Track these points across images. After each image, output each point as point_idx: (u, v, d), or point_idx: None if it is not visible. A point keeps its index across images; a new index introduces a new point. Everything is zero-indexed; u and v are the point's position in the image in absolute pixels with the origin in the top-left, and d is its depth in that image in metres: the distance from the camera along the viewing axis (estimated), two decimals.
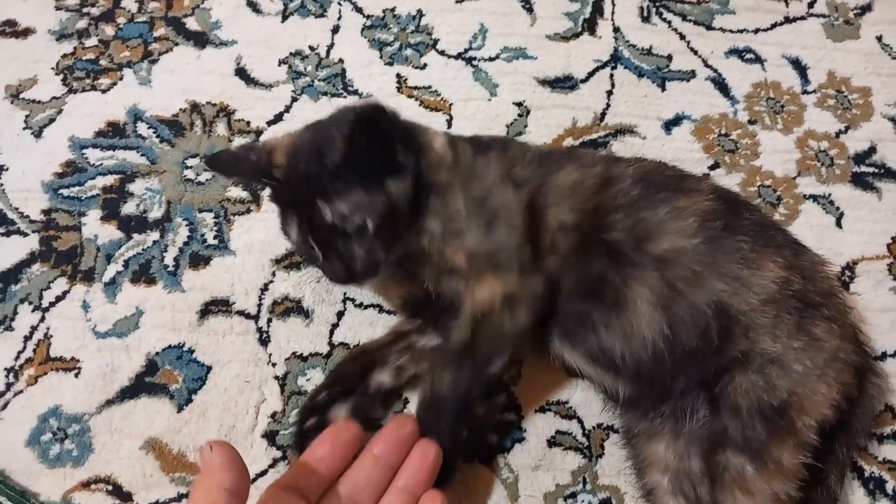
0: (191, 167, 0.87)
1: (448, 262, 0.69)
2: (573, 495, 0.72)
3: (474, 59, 0.95)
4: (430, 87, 0.93)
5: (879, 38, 0.97)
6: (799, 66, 0.95)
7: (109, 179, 0.86)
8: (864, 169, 0.88)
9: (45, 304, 0.79)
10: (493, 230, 0.69)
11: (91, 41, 0.95)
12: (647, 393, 0.70)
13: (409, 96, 0.93)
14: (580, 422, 0.76)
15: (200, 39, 0.96)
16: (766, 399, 0.64)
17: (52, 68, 0.93)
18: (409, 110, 0.91)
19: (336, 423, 0.68)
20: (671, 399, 0.70)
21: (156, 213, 0.84)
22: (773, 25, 0.98)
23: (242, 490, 0.55)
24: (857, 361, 0.69)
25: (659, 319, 0.66)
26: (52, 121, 0.90)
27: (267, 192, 0.83)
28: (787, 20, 0.98)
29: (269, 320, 0.79)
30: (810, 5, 1.00)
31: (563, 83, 0.94)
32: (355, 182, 0.65)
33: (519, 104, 0.92)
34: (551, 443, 0.75)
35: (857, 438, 0.73)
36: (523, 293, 0.68)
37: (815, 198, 0.87)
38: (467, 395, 0.67)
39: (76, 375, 0.76)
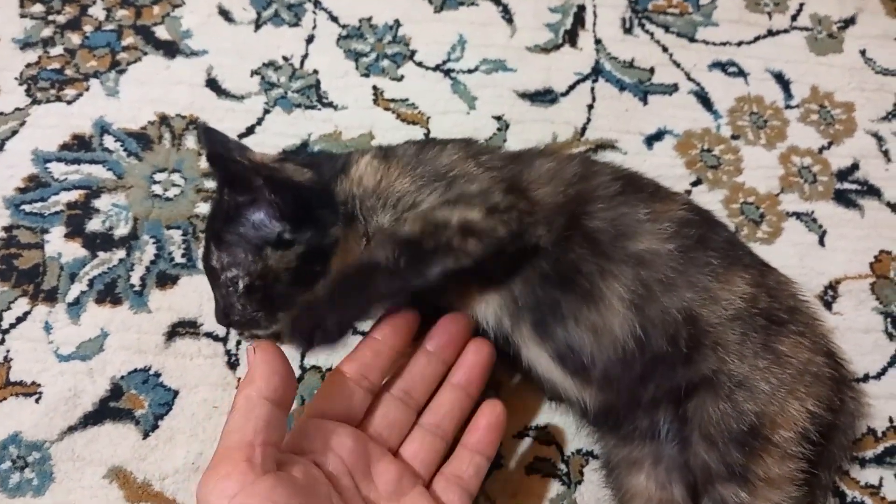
0: (159, 182, 0.84)
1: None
2: None
3: (453, 71, 0.93)
4: (407, 99, 0.91)
5: (863, 53, 0.96)
6: (782, 81, 0.94)
7: (74, 195, 0.83)
8: (846, 186, 0.87)
9: (4, 325, 0.76)
10: (453, 188, 0.67)
11: (56, 50, 0.92)
12: (615, 403, 0.68)
13: (386, 109, 0.90)
14: (559, 448, 0.74)
15: (170, 49, 0.93)
16: (735, 427, 0.63)
17: (16, 78, 0.90)
18: (385, 123, 0.89)
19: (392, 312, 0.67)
20: (640, 410, 0.68)
21: (122, 231, 0.81)
22: (757, 38, 0.97)
23: (286, 397, 0.55)
24: (831, 373, 0.68)
25: (632, 319, 0.65)
26: (14, 133, 0.86)
27: None
28: (771, 33, 0.97)
29: (238, 343, 0.76)
30: (793, 18, 0.98)
31: (543, 97, 0.92)
32: (238, 239, 0.66)
33: (498, 118, 0.90)
34: (529, 469, 0.73)
35: (840, 459, 0.72)
36: (482, 228, 0.64)
37: (798, 215, 0.86)
38: (393, 286, 0.63)
39: (37, 400, 0.73)
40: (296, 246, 0.67)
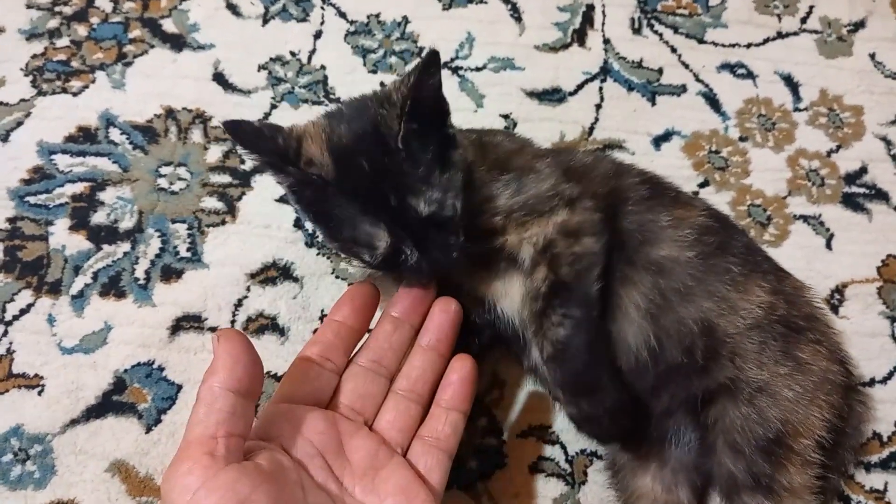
0: (164, 175, 0.84)
1: (483, 229, 0.65)
2: None
3: (460, 68, 0.92)
4: None
5: (872, 56, 0.96)
6: (791, 83, 0.93)
7: (79, 187, 0.83)
8: (854, 189, 0.87)
9: (7, 317, 0.76)
10: (523, 184, 0.65)
11: (62, 41, 0.92)
12: None
13: None
14: (563, 447, 0.74)
15: (177, 42, 0.92)
16: (761, 433, 0.63)
17: (21, 69, 0.89)
18: None
19: (352, 286, 0.66)
20: (653, 419, 0.67)
21: (127, 224, 0.81)
22: (766, 40, 0.96)
23: (252, 388, 0.53)
24: (844, 382, 0.68)
25: (647, 329, 0.64)
26: (19, 124, 0.86)
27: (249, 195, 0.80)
28: (780, 35, 0.97)
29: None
30: (803, 21, 0.98)
31: (552, 95, 0.91)
32: (432, 166, 0.59)
33: (506, 116, 0.90)
34: (533, 469, 0.73)
35: (847, 462, 0.72)
36: (579, 221, 0.64)
37: (805, 218, 0.85)
38: (589, 327, 0.61)
39: (39, 393, 0.73)
40: (458, 147, 0.63)
